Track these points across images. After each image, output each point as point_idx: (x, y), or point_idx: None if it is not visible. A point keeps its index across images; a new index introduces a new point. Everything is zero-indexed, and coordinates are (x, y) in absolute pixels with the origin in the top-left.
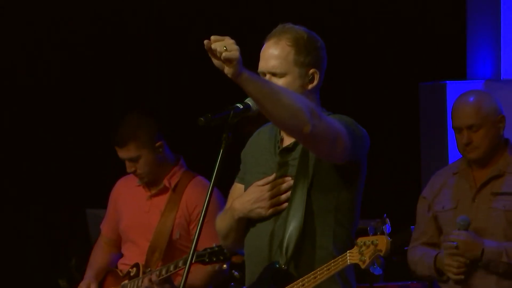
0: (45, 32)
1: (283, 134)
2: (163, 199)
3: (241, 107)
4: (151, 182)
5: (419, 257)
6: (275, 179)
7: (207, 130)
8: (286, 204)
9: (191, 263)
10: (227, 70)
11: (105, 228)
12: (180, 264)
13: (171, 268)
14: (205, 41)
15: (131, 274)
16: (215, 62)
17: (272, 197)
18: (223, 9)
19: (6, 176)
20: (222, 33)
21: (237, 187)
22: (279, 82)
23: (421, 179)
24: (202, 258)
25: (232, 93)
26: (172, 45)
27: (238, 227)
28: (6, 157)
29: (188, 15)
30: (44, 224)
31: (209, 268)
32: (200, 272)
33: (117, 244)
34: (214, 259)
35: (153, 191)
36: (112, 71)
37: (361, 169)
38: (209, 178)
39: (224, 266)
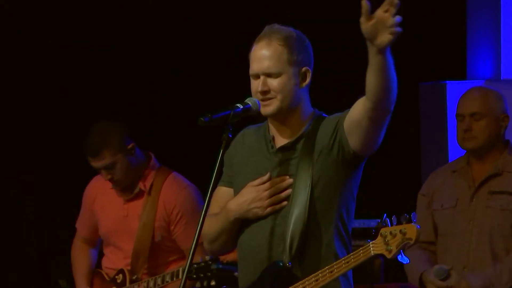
0: (44, 34)
1: (273, 133)
2: (140, 202)
3: (241, 107)
4: (126, 187)
5: (411, 265)
6: (270, 178)
7: (207, 130)
8: (285, 203)
9: (191, 263)
10: (387, 38)
11: (81, 227)
12: (168, 278)
13: (159, 281)
14: (389, 3)
15: (118, 281)
16: (368, 24)
17: (270, 196)
18: (222, 8)
19: (6, 176)
20: (220, 33)
21: (221, 191)
22: (275, 82)
23: (421, 179)
24: (189, 274)
25: (232, 93)
26: (172, 45)
27: (232, 228)
28: (6, 158)
29: (188, 14)
30: (44, 224)
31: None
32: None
33: (94, 242)
34: (202, 275)
35: (129, 196)
36: (112, 71)
37: (363, 165)
38: (209, 178)
39: (213, 282)
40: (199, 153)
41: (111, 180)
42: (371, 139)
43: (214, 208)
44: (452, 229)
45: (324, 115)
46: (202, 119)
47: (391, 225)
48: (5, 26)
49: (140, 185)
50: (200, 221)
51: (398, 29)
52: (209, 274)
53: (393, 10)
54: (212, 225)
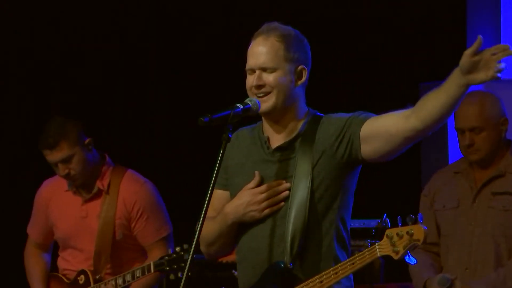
0: (44, 34)
1: (267, 133)
2: (99, 202)
3: (241, 107)
4: (84, 185)
5: (415, 270)
6: (262, 179)
7: (207, 130)
8: (282, 204)
9: (191, 262)
10: (482, 78)
11: (34, 232)
12: (138, 273)
13: (128, 277)
14: (501, 48)
15: (80, 282)
16: (471, 59)
17: (266, 198)
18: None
19: (6, 177)
20: (220, 33)
21: (216, 194)
22: (270, 77)
23: (421, 179)
24: (161, 267)
25: (232, 93)
26: (172, 45)
27: (230, 231)
28: (6, 159)
29: (188, 15)
30: None
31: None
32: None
33: (47, 247)
34: (175, 266)
35: (87, 196)
36: (112, 71)
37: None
38: (209, 178)
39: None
40: (199, 153)
41: (67, 175)
42: (392, 153)
43: (209, 211)
44: (454, 229)
45: (318, 113)
46: (202, 119)
47: (392, 225)
48: (5, 27)
49: (98, 184)
50: (200, 222)
51: (499, 75)
52: (183, 264)
53: (502, 56)
54: (209, 229)
